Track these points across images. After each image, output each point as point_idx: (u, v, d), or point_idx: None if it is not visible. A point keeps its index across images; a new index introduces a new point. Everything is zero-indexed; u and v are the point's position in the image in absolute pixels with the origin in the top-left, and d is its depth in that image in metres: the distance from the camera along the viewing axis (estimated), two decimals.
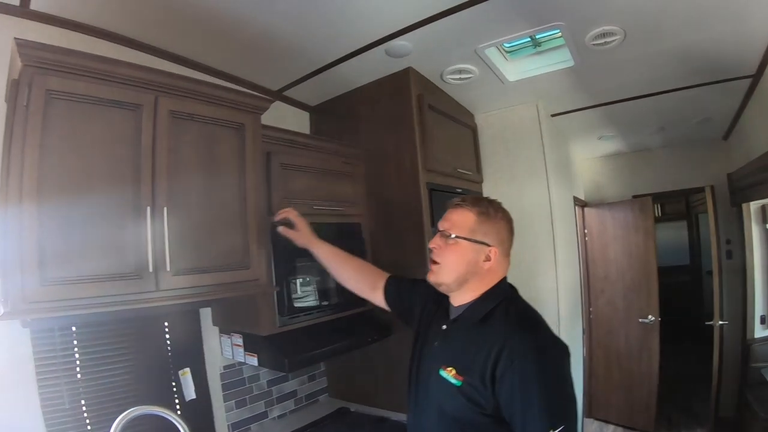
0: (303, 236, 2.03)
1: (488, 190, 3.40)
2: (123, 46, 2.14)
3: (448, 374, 1.41)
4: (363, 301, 2.60)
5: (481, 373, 1.33)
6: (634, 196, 5.03)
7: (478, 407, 1.34)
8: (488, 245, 1.47)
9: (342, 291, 2.43)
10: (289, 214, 2.03)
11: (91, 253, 1.54)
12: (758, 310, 4.25)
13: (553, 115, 3.56)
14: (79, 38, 2.01)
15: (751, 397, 3.79)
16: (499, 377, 1.29)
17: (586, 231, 4.80)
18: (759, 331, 4.23)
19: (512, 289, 1.56)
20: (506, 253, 1.53)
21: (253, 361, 2.25)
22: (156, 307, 2.04)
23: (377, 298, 1.96)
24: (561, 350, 1.36)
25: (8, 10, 1.81)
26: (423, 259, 2.56)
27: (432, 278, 1.54)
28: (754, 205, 4.21)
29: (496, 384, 1.30)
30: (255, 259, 1.98)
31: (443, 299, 1.60)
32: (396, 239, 2.67)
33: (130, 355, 2.09)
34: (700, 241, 6.31)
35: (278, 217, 2.04)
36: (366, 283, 2.00)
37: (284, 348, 2.15)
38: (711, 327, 4.33)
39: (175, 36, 2.20)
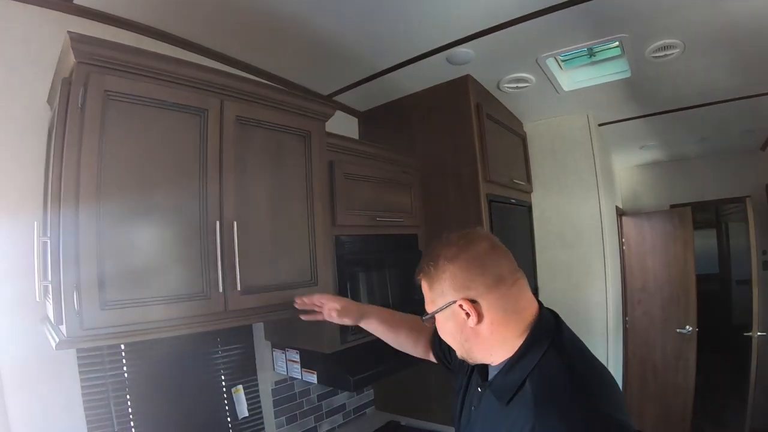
0: (350, 314, 1.66)
1: (537, 200, 3.30)
2: (169, 44, 1.98)
3: None
4: (421, 316, 2.49)
5: None
6: (672, 206, 4.88)
7: None
8: (453, 301, 1.09)
9: (402, 305, 2.30)
10: (319, 300, 1.67)
11: (155, 273, 1.37)
12: None
13: (600, 125, 3.43)
14: (126, 36, 1.83)
15: None
16: None
17: (623, 240, 4.63)
18: None
19: (556, 328, 1.10)
20: (491, 286, 1.08)
21: (312, 378, 2.11)
22: None
23: (430, 357, 1.68)
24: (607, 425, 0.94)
25: (48, 3, 1.65)
26: None
27: (458, 355, 1.21)
28: None
29: None
30: (323, 274, 1.83)
31: None
32: None
33: (181, 372, 1.95)
34: (730, 250, 6.11)
35: (303, 305, 1.68)
36: (420, 350, 1.71)
37: (348, 366, 2.01)
38: (745, 338, 4.18)
39: (225, 36, 2.07)
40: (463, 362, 1.26)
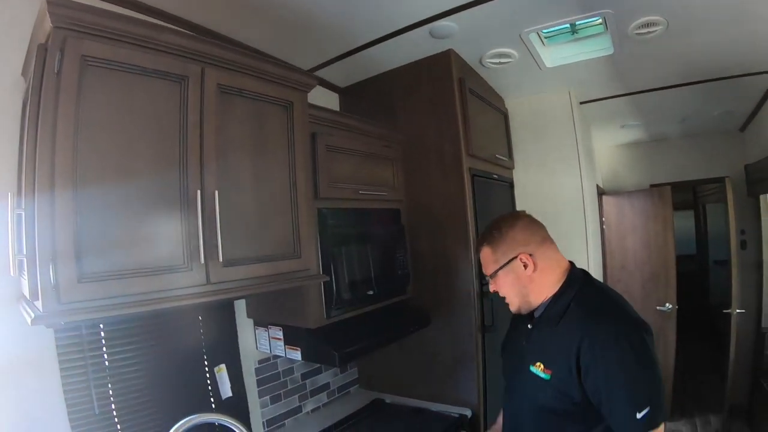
0: None
1: (519, 177, 3.31)
2: (144, 15, 1.89)
3: (537, 369, 1.46)
4: (403, 290, 2.54)
5: (568, 366, 1.37)
6: (652, 185, 4.93)
7: (567, 398, 1.39)
8: (514, 257, 1.52)
9: (385, 280, 2.34)
10: None
11: (135, 244, 1.34)
12: None
13: (581, 103, 3.45)
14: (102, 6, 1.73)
15: (767, 384, 3.82)
16: (584, 369, 1.34)
17: (603, 219, 4.68)
18: None
19: (585, 276, 1.56)
20: (540, 243, 1.54)
21: (296, 355, 2.10)
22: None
23: None
24: (639, 332, 1.35)
25: None
26: (466, 246, 2.47)
27: (512, 309, 1.61)
28: None
29: (581, 375, 1.34)
30: (306, 247, 1.82)
31: None
32: (437, 226, 2.56)
33: (162, 352, 1.92)
34: (707, 231, 6.22)
35: None
36: None
37: (333, 341, 2.01)
38: (723, 316, 4.28)
39: (203, 8, 2.01)
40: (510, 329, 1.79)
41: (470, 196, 2.49)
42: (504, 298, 1.60)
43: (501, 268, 1.53)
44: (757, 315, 4.36)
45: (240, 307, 2.26)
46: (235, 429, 1.48)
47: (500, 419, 1.91)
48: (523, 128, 3.30)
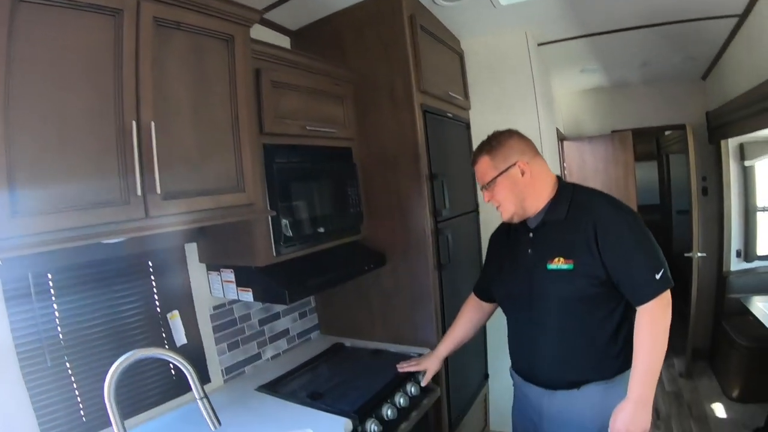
0: (438, 362, 2.23)
1: (475, 117, 3.31)
2: None
3: (558, 264, 1.62)
4: (357, 230, 2.56)
5: (588, 249, 1.57)
6: (613, 131, 4.99)
7: (595, 279, 1.57)
8: (513, 164, 1.68)
9: (336, 218, 2.35)
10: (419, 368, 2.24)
11: (70, 178, 1.31)
12: (734, 245, 4.45)
13: (539, 44, 3.43)
14: None
15: (729, 327, 3.99)
16: (602, 246, 1.55)
17: (565, 165, 4.74)
18: (735, 264, 4.46)
19: (573, 184, 1.76)
20: (534, 155, 1.73)
21: (248, 296, 2.11)
22: (140, 242, 1.91)
23: (492, 308, 2.16)
24: (635, 212, 1.63)
25: None
26: (419, 184, 2.49)
27: (505, 217, 1.77)
28: (732, 143, 4.32)
29: (600, 251, 1.55)
30: (250, 181, 1.81)
31: (509, 226, 1.87)
32: (389, 164, 2.56)
33: (113, 300, 1.92)
34: (671, 181, 6.33)
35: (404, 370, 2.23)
36: (481, 318, 2.20)
37: (283, 278, 2.02)
38: (686, 261, 4.41)
39: None
40: (495, 250, 2.00)
41: (422, 132, 2.48)
42: (497, 207, 1.75)
43: (500, 174, 1.69)
44: (718, 260, 4.51)
45: (192, 252, 2.25)
46: (174, 362, 1.47)
47: (457, 332, 2.19)
48: (480, 69, 3.28)
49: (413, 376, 2.27)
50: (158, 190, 1.47)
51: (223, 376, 2.36)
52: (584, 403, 1.66)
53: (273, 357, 2.65)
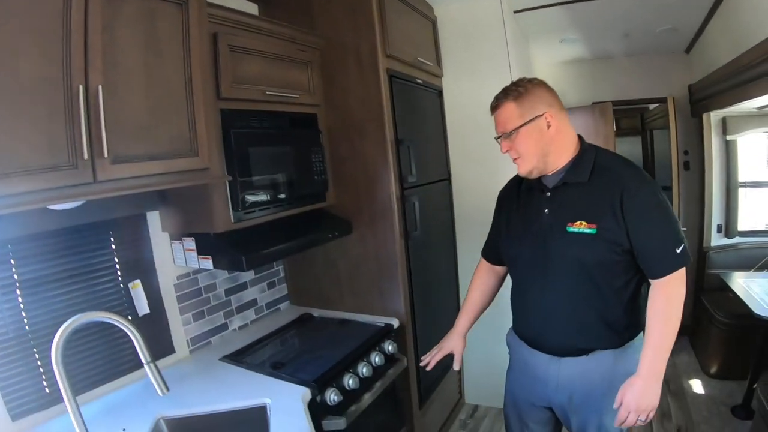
0: (462, 340, 2.09)
1: (448, 85, 3.29)
2: None
3: (579, 227, 1.57)
4: (322, 197, 2.56)
5: (613, 215, 1.52)
6: (594, 103, 4.93)
7: (617, 246, 1.54)
8: (540, 114, 1.57)
9: (299, 185, 2.34)
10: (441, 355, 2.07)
11: (16, 143, 1.29)
12: (715, 220, 4.46)
13: (516, 12, 3.38)
14: None
15: (708, 302, 4.00)
16: (626, 211, 1.51)
17: None
18: (716, 240, 4.48)
19: (595, 147, 1.68)
20: (560, 109, 1.63)
21: (208, 264, 2.11)
22: (100, 211, 1.92)
23: (505, 271, 2.04)
24: (658, 186, 1.58)
25: None
26: (384, 150, 2.49)
27: (522, 170, 1.66)
28: (714, 117, 4.30)
29: (625, 218, 1.51)
30: (204, 146, 1.79)
31: (521, 181, 1.79)
32: (355, 131, 2.56)
33: (74, 270, 1.92)
34: (654, 157, 6.35)
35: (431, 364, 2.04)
36: (495, 284, 2.10)
37: (240, 245, 2.02)
38: None
39: None
40: (504, 206, 1.89)
41: (388, 97, 2.47)
42: (515, 159, 1.65)
43: (525, 124, 1.57)
44: (699, 235, 4.53)
45: (155, 221, 2.24)
46: (120, 326, 1.47)
47: (472, 302, 2.08)
48: (454, 37, 3.24)
49: (378, 346, 2.31)
50: (105, 155, 1.46)
51: (188, 346, 2.37)
52: (593, 369, 1.65)
53: (240, 327, 2.66)
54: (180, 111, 1.73)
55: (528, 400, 1.87)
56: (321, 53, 2.55)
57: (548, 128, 1.58)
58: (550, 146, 1.59)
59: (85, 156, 1.41)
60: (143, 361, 1.45)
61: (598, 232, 1.54)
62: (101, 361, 1.98)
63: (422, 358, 2.07)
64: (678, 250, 1.51)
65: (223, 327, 2.57)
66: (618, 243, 1.53)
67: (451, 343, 2.05)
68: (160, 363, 2.16)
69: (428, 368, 2.04)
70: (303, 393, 1.83)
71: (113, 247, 2.07)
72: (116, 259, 2.08)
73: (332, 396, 1.94)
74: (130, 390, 1.99)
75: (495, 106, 1.66)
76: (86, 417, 1.56)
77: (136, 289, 2.13)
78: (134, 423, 1.72)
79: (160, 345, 2.25)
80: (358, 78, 2.49)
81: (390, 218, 2.54)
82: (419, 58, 2.83)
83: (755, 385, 3.06)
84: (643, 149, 6.74)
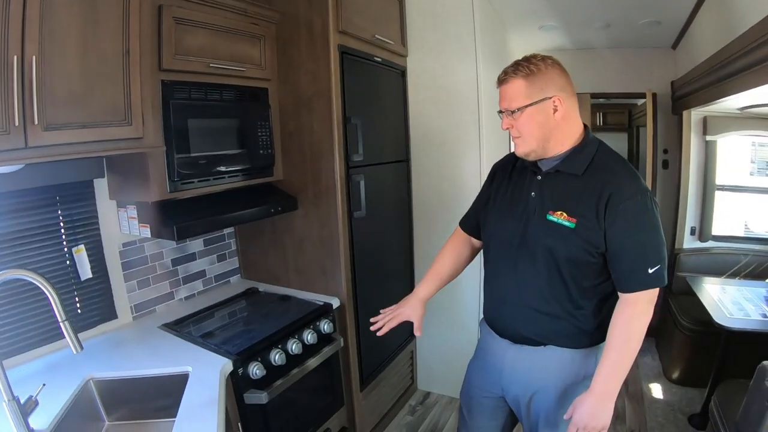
0: (420, 305, 2.00)
1: (413, 65, 3.32)
2: None
3: (559, 218, 1.57)
4: (269, 171, 2.63)
5: (596, 215, 1.51)
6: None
7: (592, 247, 1.53)
8: (549, 97, 1.54)
9: (243, 159, 2.41)
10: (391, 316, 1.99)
11: None
12: (689, 221, 4.51)
13: None
14: None
15: (675, 305, 4.00)
16: (609, 218, 1.49)
17: None
18: (688, 242, 4.51)
19: (600, 141, 1.65)
20: (570, 94, 1.58)
21: (146, 232, 2.20)
22: (44, 175, 2.04)
23: (480, 245, 2.02)
24: (653, 198, 1.53)
25: None
26: (330, 127, 2.54)
27: (519, 151, 1.65)
28: (695, 116, 4.33)
29: (606, 221, 1.50)
30: (138, 116, 1.88)
31: (517, 159, 1.76)
32: (305, 105, 2.61)
33: (18, 233, 2.03)
34: (639, 155, 6.38)
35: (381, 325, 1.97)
36: (468, 255, 2.08)
37: (173, 214, 2.11)
38: None
39: None
40: (494, 184, 1.87)
41: (337, 73, 2.50)
42: (515, 137, 1.63)
43: (532, 104, 1.53)
44: (672, 236, 4.56)
45: (102, 188, 2.33)
46: (36, 283, 1.54)
47: (439, 268, 2.05)
48: (422, 15, 3.25)
49: (313, 324, 2.41)
50: (36, 122, 1.56)
51: (132, 313, 2.49)
52: (547, 365, 1.67)
53: (187, 298, 2.77)
54: (115, 81, 1.81)
55: (482, 386, 1.90)
56: (277, 28, 2.60)
57: (554, 113, 1.54)
58: (553, 131, 1.57)
59: (17, 123, 1.52)
60: (58, 319, 1.53)
61: (576, 227, 1.53)
62: (38, 324, 2.09)
63: (372, 320, 2.00)
64: (651, 270, 1.48)
65: (169, 296, 2.67)
66: (593, 244, 1.52)
67: (409, 310, 1.97)
68: (102, 327, 2.33)
69: (379, 333, 1.96)
70: (224, 364, 1.93)
71: (59, 212, 2.17)
72: (61, 224, 2.18)
73: (255, 370, 2.03)
74: (66, 353, 2.08)
75: (503, 80, 1.60)
76: (17, 377, 1.70)
77: (80, 254, 2.23)
78: (62, 382, 1.83)
79: (102, 310, 2.36)
80: (309, 53, 2.53)
81: (333, 196, 2.62)
82: (378, 36, 2.84)
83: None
84: (629, 147, 6.80)
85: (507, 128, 1.63)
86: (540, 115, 1.54)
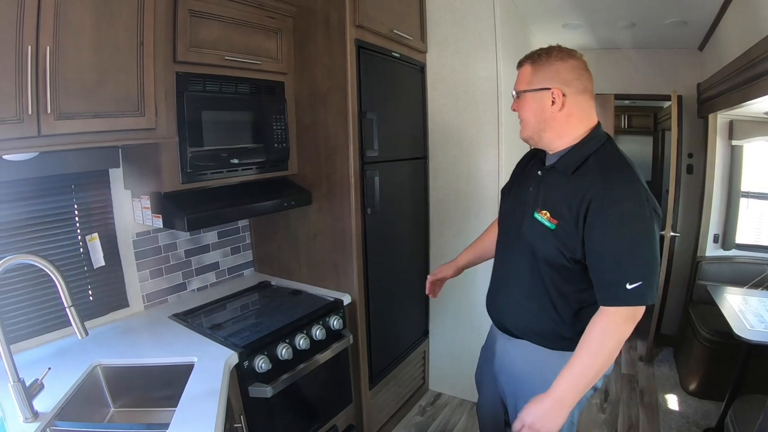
0: (449, 266, 2.23)
1: (432, 60, 3.29)
2: None
3: (543, 217, 1.57)
4: (283, 165, 2.64)
5: (575, 219, 1.47)
6: (597, 95, 4.86)
7: (569, 252, 1.51)
8: (548, 88, 1.54)
9: (257, 152, 2.42)
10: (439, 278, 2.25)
11: None
12: (712, 229, 4.36)
13: None
14: None
15: (695, 315, 3.88)
16: (589, 225, 1.44)
17: None
18: (710, 250, 4.37)
19: (608, 138, 1.60)
20: (580, 91, 1.56)
21: (158, 222, 2.22)
22: (60, 164, 2.06)
23: None
24: (648, 208, 1.43)
25: None
26: (345, 122, 2.53)
27: (521, 134, 1.69)
28: (721, 119, 4.21)
29: (586, 229, 1.45)
30: (151, 107, 1.89)
31: (539, 151, 1.76)
32: (321, 100, 2.60)
33: (34, 219, 2.06)
34: (664, 159, 6.25)
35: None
36: None
37: (185, 205, 2.12)
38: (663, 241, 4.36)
39: None
40: (517, 171, 1.91)
41: (353, 68, 2.50)
42: (520, 121, 1.66)
43: (531, 91, 1.57)
44: (694, 243, 4.45)
45: (118, 178, 2.36)
46: (44, 268, 1.56)
47: (480, 243, 2.20)
48: (441, 11, 3.21)
49: (322, 320, 2.41)
50: (49, 111, 1.59)
51: (144, 302, 2.52)
52: (523, 358, 1.71)
53: (199, 289, 2.80)
54: (129, 72, 1.83)
55: (483, 366, 2.00)
56: (294, 21, 2.60)
57: (552, 105, 1.54)
58: (549, 123, 1.57)
59: (30, 111, 1.54)
60: (64, 304, 1.55)
61: (556, 229, 1.52)
62: (48, 309, 2.12)
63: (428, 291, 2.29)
64: (630, 286, 1.38)
65: (182, 287, 2.70)
66: (570, 249, 1.50)
67: (444, 269, 2.22)
68: (113, 315, 2.36)
69: (433, 296, 2.27)
70: (229, 356, 1.94)
71: (74, 200, 2.21)
72: (76, 212, 2.21)
73: (261, 363, 2.04)
74: (76, 339, 2.09)
75: (520, 63, 1.65)
76: (26, 361, 1.73)
77: (93, 242, 2.26)
78: (70, 367, 1.85)
79: (114, 298, 2.39)
80: (325, 47, 2.53)
81: (347, 192, 2.61)
82: (396, 31, 2.82)
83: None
84: (654, 150, 6.68)
85: (513, 110, 1.68)
86: (536, 103, 1.57)
